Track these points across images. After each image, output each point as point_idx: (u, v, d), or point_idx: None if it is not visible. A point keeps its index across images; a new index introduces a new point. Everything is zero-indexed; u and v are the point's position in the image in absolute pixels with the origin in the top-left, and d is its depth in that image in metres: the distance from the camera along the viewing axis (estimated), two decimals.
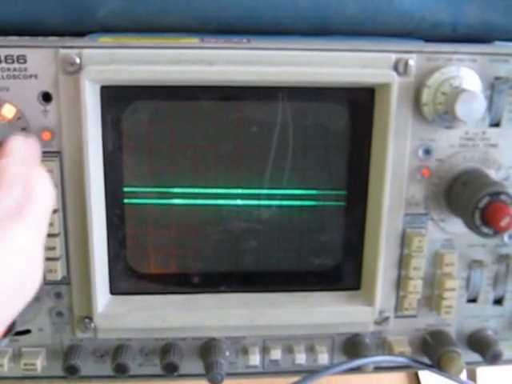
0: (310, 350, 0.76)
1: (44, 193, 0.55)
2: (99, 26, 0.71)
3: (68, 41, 0.65)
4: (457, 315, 0.75)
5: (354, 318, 0.73)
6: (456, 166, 0.71)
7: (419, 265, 0.72)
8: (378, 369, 0.76)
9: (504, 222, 0.65)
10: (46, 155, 0.66)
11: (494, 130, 0.71)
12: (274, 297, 0.74)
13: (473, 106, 0.64)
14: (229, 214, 0.72)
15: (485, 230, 0.66)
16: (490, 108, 0.70)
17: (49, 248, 0.68)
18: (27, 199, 0.52)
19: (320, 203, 0.73)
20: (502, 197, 0.66)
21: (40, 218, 0.53)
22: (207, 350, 0.74)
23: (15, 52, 0.63)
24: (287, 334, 0.75)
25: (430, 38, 0.75)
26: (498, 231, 0.66)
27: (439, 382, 0.82)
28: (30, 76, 0.64)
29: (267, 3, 0.70)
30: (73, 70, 0.64)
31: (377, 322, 0.74)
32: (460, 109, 0.64)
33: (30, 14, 0.69)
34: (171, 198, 0.71)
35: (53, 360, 0.73)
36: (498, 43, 0.78)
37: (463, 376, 0.79)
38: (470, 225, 0.67)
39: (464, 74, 0.67)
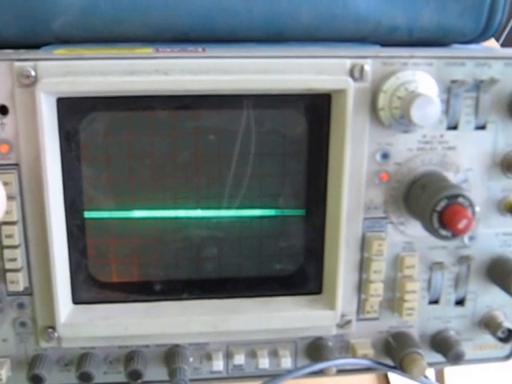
0: (273, 354, 0.79)
1: None
2: (54, 38, 0.72)
3: (23, 53, 0.67)
4: (419, 317, 0.78)
5: (316, 322, 0.76)
6: (414, 169, 0.73)
7: (380, 268, 0.75)
8: (342, 371, 0.78)
9: (462, 225, 0.67)
10: (4, 168, 0.68)
11: (452, 132, 0.73)
12: (236, 303, 0.76)
13: (428, 111, 0.66)
14: (189, 222, 0.75)
15: (443, 232, 0.68)
16: (447, 111, 0.72)
17: (10, 259, 0.70)
18: None
19: (280, 209, 0.76)
20: (460, 199, 0.68)
21: None
22: (171, 356, 0.76)
23: None
24: (250, 339, 0.78)
25: (386, 43, 0.77)
26: (456, 234, 0.68)
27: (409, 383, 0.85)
28: None
29: (222, 11, 0.72)
30: (28, 83, 0.65)
31: (339, 326, 0.77)
32: (415, 113, 0.66)
33: None
34: (131, 208, 0.74)
35: (18, 370, 0.76)
36: (455, 46, 0.80)
37: (432, 377, 0.82)
38: (429, 228, 0.69)
39: (420, 78, 0.69)
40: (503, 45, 1.26)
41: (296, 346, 0.79)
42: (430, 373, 0.80)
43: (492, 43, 1.02)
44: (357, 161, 0.72)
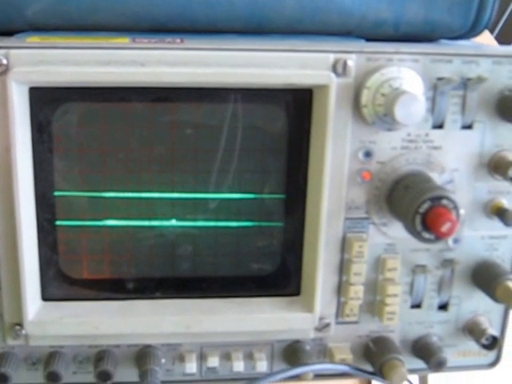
0: (249, 357, 0.78)
1: None
2: (28, 25, 0.72)
3: None
4: (400, 321, 0.78)
5: (293, 325, 0.75)
6: (398, 168, 0.73)
7: (360, 270, 0.74)
8: (319, 376, 0.78)
9: (445, 228, 0.66)
10: None
11: (437, 131, 0.72)
12: (211, 303, 0.75)
13: (412, 109, 0.66)
14: (163, 218, 0.74)
15: (426, 235, 0.68)
16: (432, 109, 0.71)
17: None
18: None
19: (258, 206, 0.75)
20: (444, 201, 0.67)
21: None
22: (142, 357, 0.76)
23: None
24: (225, 340, 0.77)
25: (371, 37, 0.76)
26: (439, 237, 0.67)
27: None
28: None
29: (202, 1, 0.71)
30: (0, 71, 0.65)
31: (317, 329, 0.76)
32: (399, 111, 0.66)
33: None
34: (103, 202, 0.73)
35: None
36: (443, 42, 0.79)
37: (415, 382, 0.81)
38: (411, 230, 0.69)
39: (405, 74, 0.69)
40: (497, 38, 1.24)
41: (272, 349, 0.79)
42: (414, 378, 0.79)
43: (486, 36, 1.01)
44: (338, 159, 0.71)
